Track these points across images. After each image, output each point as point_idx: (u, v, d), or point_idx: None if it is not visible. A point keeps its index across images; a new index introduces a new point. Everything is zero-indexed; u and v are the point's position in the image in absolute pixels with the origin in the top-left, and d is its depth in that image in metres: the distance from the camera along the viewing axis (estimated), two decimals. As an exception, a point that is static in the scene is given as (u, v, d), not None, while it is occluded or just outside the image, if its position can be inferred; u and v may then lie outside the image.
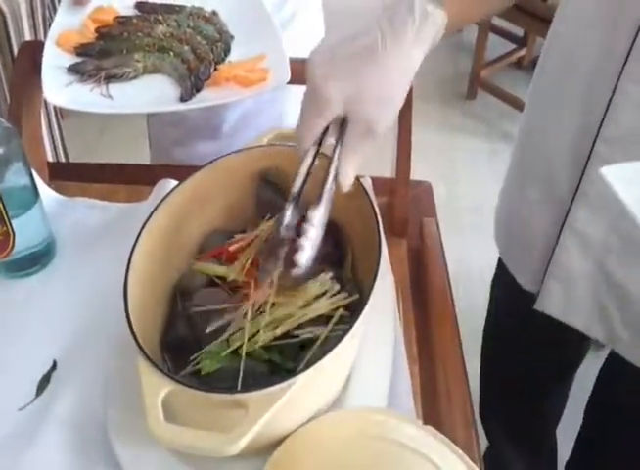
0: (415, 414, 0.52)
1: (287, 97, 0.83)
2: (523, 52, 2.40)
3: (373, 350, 0.53)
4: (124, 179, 0.72)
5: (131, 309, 0.46)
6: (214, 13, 0.73)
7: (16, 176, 0.55)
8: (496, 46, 2.33)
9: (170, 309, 0.54)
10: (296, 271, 0.44)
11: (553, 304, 0.67)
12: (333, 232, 0.57)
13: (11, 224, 0.54)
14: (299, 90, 0.69)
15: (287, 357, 0.48)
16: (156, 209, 0.51)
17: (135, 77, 0.66)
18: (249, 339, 0.46)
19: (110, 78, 0.65)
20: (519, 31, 2.37)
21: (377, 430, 0.45)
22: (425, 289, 0.63)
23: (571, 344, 0.84)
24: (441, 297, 0.60)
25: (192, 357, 0.47)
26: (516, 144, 0.74)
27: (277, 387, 0.39)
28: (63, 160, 1.02)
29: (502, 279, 0.81)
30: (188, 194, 0.54)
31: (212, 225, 0.58)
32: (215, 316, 0.49)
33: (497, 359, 0.95)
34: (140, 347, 0.42)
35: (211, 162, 0.55)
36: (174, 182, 0.63)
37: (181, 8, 0.73)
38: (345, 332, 0.43)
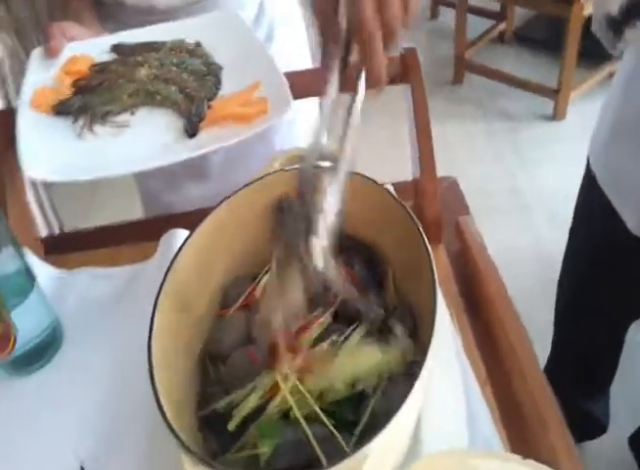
0: (502, 445, 0.45)
1: (275, 129, 0.76)
2: (503, 26, 2.34)
3: (439, 381, 0.46)
4: (125, 239, 0.65)
5: (160, 390, 0.39)
6: (198, 44, 0.67)
7: (7, 262, 0.49)
8: (474, 25, 2.28)
9: (202, 377, 0.48)
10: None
11: None
12: (365, 252, 0.51)
13: (10, 318, 0.48)
14: (288, 121, 0.63)
15: (346, 410, 0.41)
16: (171, 265, 0.45)
17: (122, 111, 0.61)
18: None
19: (97, 118, 0.60)
20: (495, 6, 2.32)
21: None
22: (478, 297, 0.56)
23: None
24: (500, 302, 0.53)
25: (240, 438, 0.40)
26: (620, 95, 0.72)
27: (354, 458, 0.32)
28: (56, 229, 0.96)
29: (602, 224, 0.81)
30: (201, 243, 0.47)
31: (233, 272, 0.51)
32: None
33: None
34: (179, 439, 0.35)
35: (220, 202, 0.48)
36: (182, 232, 0.57)
37: (161, 44, 0.68)
38: (411, 378, 0.36)
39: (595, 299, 0.95)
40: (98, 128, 0.60)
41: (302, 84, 0.58)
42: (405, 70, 0.59)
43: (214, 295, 0.51)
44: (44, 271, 0.59)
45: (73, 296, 0.57)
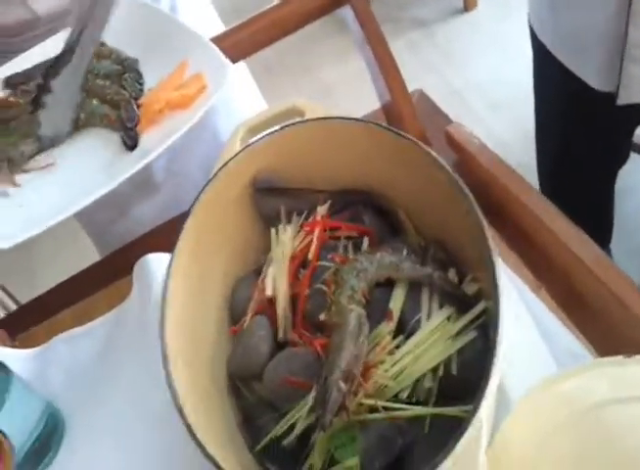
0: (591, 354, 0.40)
1: (213, 109, 0.66)
2: None
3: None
4: (93, 286, 0.56)
5: (203, 438, 0.32)
6: (101, 44, 0.58)
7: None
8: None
9: (237, 402, 0.41)
10: None
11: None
12: (368, 202, 0.43)
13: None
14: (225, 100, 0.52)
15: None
16: (164, 296, 0.37)
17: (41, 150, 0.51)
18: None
19: (15, 166, 0.50)
20: None
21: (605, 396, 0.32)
22: (500, 201, 0.49)
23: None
24: (530, 197, 0.47)
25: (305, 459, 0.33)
26: None
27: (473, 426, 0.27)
28: (11, 304, 0.85)
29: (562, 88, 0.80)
30: (186, 259, 0.39)
31: (233, 276, 0.44)
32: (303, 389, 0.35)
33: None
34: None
35: (191, 207, 0.40)
36: (156, 255, 0.48)
37: None
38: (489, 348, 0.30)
39: (576, 164, 0.94)
40: (20, 178, 0.51)
41: (233, 47, 0.50)
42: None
43: (221, 309, 0.43)
44: (16, 358, 0.50)
45: (58, 371, 0.48)
